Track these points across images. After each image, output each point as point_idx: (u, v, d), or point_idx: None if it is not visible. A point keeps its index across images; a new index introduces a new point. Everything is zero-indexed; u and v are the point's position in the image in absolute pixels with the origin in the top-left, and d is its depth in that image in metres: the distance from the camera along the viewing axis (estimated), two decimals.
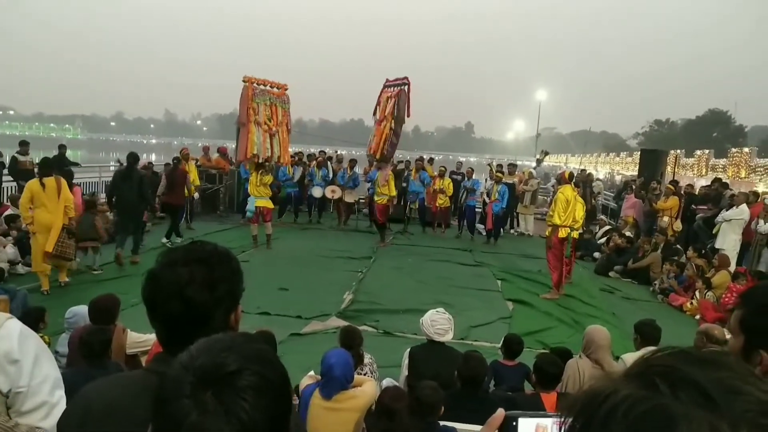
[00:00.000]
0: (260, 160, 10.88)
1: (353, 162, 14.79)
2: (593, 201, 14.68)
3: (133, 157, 9.34)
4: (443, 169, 14.29)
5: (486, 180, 14.70)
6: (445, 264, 10.63)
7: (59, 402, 1.57)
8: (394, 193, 12.07)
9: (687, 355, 0.58)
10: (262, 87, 11.28)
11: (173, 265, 1.28)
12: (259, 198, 10.79)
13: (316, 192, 14.04)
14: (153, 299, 1.27)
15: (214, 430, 0.80)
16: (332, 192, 13.97)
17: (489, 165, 15.42)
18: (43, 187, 7.33)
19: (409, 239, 13.00)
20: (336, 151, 17.00)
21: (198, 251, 1.32)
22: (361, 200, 14.62)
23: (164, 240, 10.78)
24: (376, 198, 11.96)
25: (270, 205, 11.01)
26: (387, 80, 12.26)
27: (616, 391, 0.56)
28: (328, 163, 14.71)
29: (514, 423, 0.83)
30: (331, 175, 14.37)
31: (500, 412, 0.82)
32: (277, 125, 11.38)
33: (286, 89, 11.76)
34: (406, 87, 11.64)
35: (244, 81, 11.10)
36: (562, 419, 0.59)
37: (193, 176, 12.55)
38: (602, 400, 0.56)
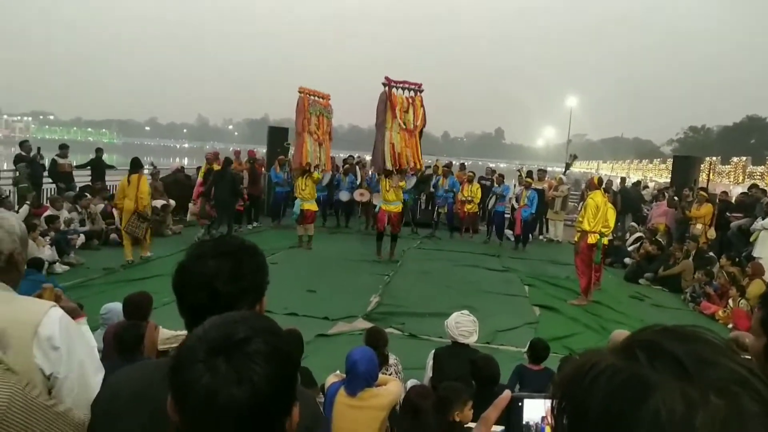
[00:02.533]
0: (311, 168, 11.63)
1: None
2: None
3: (227, 161, 11.86)
4: (471, 174, 14.29)
5: (515, 186, 14.65)
6: (473, 269, 10.65)
7: (95, 388, 1.63)
8: (400, 199, 11.14)
9: (669, 332, 0.62)
10: (314, 98, 12.25)
11: (202, 257, 1.31)
12: (306, 201, 11.46)
13: (344, 196, 14.20)
14: (182, 290, 1.30)
15: (225, 392, 0.84)
16: (361, 195, 14.09)
17: (518, 171, 15.34)
18: (129, 182, 9.24)
19: (437, 244, 13.06)
20: (361, 157, 17.11)
21: (226, 245, 1.36)
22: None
23: (249, 226, 13.32)
24: (383, 205, 11.04)
25: (314, 207, 11.67)
26: (388, 79, 11.08)
27: (599, 362, 0.61)
28: (356, 168, 14.89)
29: (520, 404, 0.84)
30: (358, 181, 14.52)
31: (506, 393, 0.85)
32: (323, 134, 12.25)
33: (329, 99, 12.69)
34: (419, 94, 11.30)
35: (300, 92, 12.03)
36: (553, 392, 0.64)
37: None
38: (587, 370, 0.61)
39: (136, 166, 9.50)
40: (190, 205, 13.39)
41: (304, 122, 11.67)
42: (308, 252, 11.29)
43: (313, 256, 10.94)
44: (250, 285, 1.31)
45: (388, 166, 10.76)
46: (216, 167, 11.93)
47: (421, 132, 11.47)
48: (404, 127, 10.90)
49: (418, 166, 11.44)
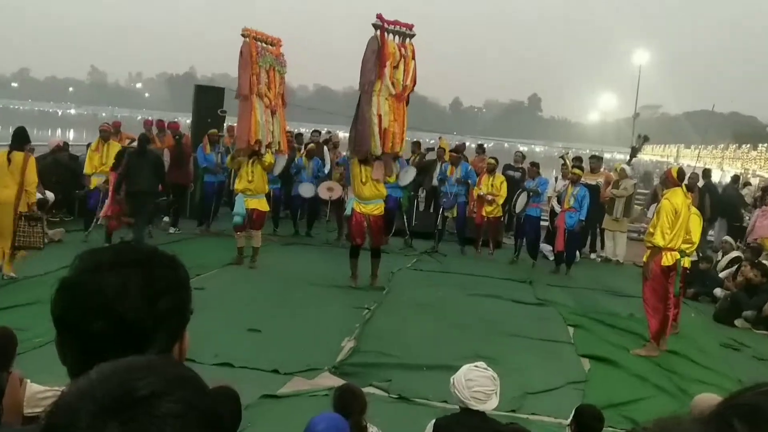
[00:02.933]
0: (262, 149, 11.59)
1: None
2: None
3: (143, 139, 12.12)
4: (493, 161, 14.31)
5: (557, 179, 14.74)
6: (492, 301, 10.74)
7: None
8: (380, 195, 10.98)
9: None
10: (262, 44, 11.97)
11: (98, 270, 1.31)
12: (252, 196, 11.53)
13: (305, 191, 14.18)
14: (66, 318, 1.29)
15: None
16: (329, 190, 14.09)
17: (562, 157, 15.41)
18: (9, 162, 9.27)
19: (441, 263, 13.10)
20: (332, 133, 17.05)
21: (133, 252, 1.36)
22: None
23: (172, 229, 13.88)
24: (357, 205, 10.91)
25: (265, 206, 11.85)
26: (381, 18, 10.92)
27: None
28: (324, 149, 14.86)
29: None
30: (327, 168, 14.55)
31: None
32: (276, 97, 12.06)
33: (281, 46, 12.33)
34: (409, 41, 11.19)
35: (244, 35, 11.74)
36: None
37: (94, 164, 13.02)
38: None
39: (20, 139, 9.50)
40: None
41: (252, 79, 11.60)
42: (252, 272, 11.34)
43: (259, 278, 10.96)
44: (169, 310, 1.32)
45: (376, 150, 10.67)
46: (118, 144, 12.04)
47: (408, 97, 11.40)
48: (392, 91, 10.84)
49: (399, 148, 11.20)
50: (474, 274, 12.37)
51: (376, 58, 10.74)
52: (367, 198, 10.75)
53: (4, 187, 9.26)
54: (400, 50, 10.94)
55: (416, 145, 16.74)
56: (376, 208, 10.87)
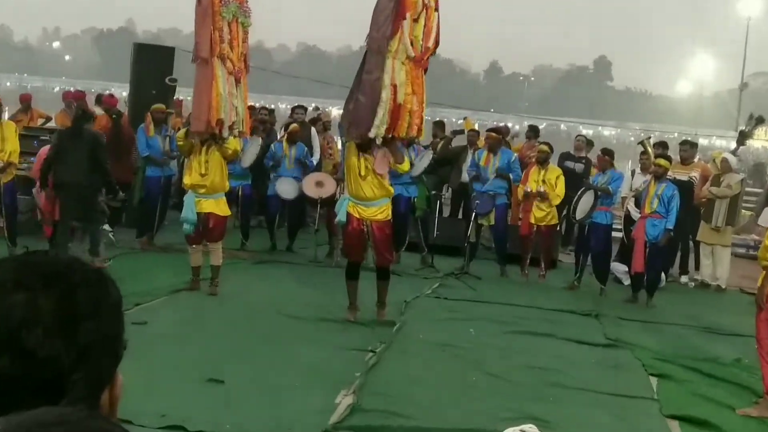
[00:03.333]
0: (222, 132, 11.48)
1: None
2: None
3: (81, 116, 12.37)
4: (546, 149, 14.32)
5: (634, 173, 14.80)
6: (544, 341, 10.76)
7: None
8: (387, 194, 10.98)
9: None
10: None
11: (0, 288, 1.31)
12: (205, 196, 11.41)
13: (286, 189, 14.20)
14: None
15: None
16: (318, 186, 14.05)
17: (641, 143, 15.36)
18: None
19: (473, 289, 13.11)
20: (322, 111, 17.07)
21: (45, 265, 1.36)
22: None
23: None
24: (353, 207, 10.82)
25: (225, 210, 11.78)
26: None
27: None
28: (311, 131, 14.90)
29: None
30: (316, 157, 14.66)
31: None
32: (239, 59, 12.02)
33: None
34: None
35: None
36: None
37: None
38: None
39: None
40: (34, 192, 13.41)
41: (214, 36, 11.58)
42: (212, 300, 11.37)
43: (223, 309, 10.99)
44: (94, 344, 1.31)
45: (381, 130, 10.49)
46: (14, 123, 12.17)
47: (427, 62, 11.31)
48: (411, 53, 10.79)
49: (417, 131, 11.21)
50: (519, 304, 12.35)
51: (394, 5, 10.69)
52: (368, 198, 10.63)
53: None
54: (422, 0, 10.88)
55: (439, 126, 16.92)
56: (380, 212, 10.74)
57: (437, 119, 17.04)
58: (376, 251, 10.91)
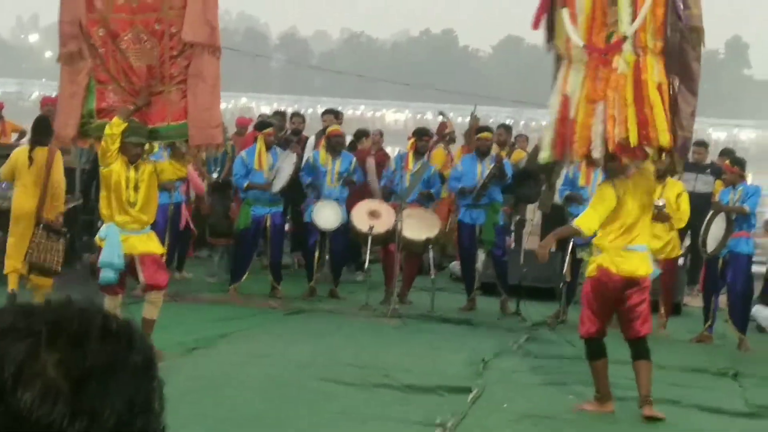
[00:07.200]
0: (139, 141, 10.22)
1: (427, 138, 14.16)
2: None
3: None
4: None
5: None
6: (668, 409, 9.81)
7: None
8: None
9: None
10: None
11: None
12: (135, 231, 10.34)
13: (325, 216, 13.39)
14: None
15: None
16: (371, 216, 12.96)
17: None
18: (30, 161, 10.88)
19: (573, 344, 11.98)
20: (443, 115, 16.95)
21: (54, 312, 1.25)
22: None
23: None
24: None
25: (156, 248, 10.75)
26: None
27: None
28: (363, 140, 13.93)
29: None
30: (368, 175, 14.37)
31: None
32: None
33: None
34: None
35: None
36: None
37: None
38: None
39: (44, 131, 10.99)
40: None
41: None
42: (234, 361, 10.92)
43: (248, 372, 10.51)
44: (101, 410, 1.17)
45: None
46: None
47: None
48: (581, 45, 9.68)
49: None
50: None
51: None
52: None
53: (26, 195, 10.94)
54: None
55: (507, 130, 16.86)
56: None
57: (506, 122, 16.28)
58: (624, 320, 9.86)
